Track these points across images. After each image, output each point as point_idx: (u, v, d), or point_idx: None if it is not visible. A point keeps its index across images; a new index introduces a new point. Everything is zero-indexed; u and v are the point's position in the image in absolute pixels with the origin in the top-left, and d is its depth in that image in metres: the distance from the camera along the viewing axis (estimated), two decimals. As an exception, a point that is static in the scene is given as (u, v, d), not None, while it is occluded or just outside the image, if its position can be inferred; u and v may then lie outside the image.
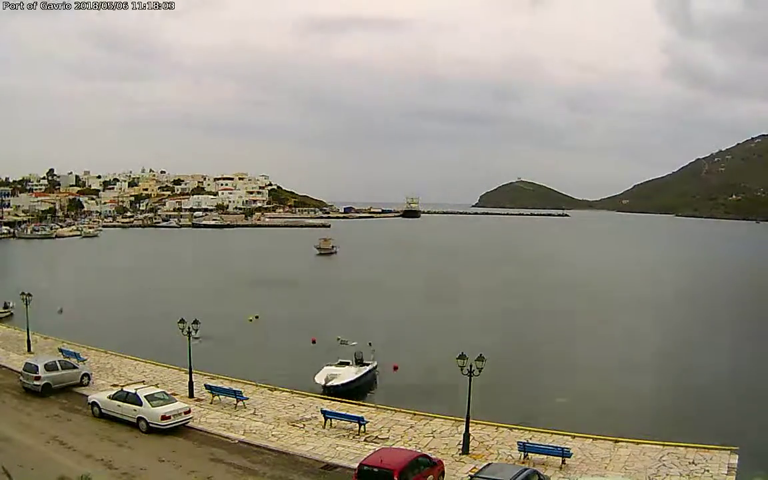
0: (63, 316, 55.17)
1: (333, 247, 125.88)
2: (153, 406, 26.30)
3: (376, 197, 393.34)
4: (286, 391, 32.61)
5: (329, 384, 33.94)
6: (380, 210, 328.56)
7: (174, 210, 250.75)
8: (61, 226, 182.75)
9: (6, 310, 53.50)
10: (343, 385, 34.14)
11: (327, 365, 36.77)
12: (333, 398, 31.73)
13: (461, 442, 24.98)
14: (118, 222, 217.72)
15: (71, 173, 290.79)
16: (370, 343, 38.96)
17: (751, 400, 35.63)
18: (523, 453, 23.90)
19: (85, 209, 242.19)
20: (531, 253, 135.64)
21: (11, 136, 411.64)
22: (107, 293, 71.65)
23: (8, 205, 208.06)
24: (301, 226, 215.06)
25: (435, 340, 48.18)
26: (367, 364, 37.52)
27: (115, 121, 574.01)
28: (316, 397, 31.90)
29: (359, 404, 30.81)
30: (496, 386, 33.02)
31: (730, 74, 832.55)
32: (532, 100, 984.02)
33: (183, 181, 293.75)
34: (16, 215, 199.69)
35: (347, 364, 37.10)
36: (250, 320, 55.36)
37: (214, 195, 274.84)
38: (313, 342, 46.86)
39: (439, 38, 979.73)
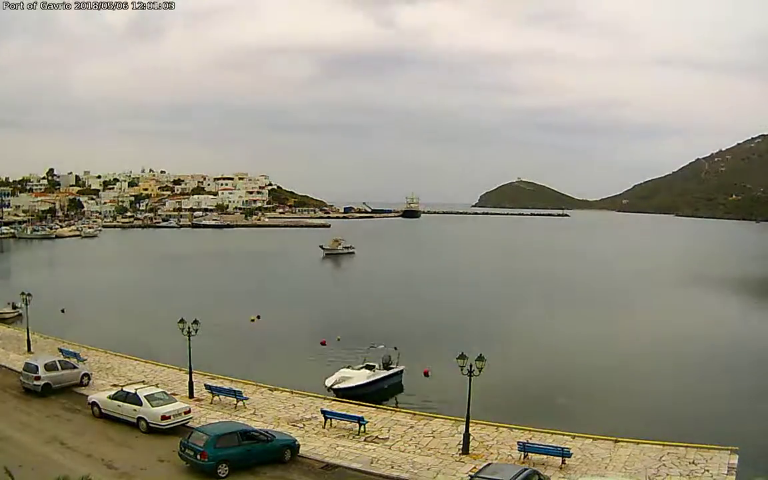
0: (63, 316, 55.10)
1: (343, 247, 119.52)
2: (153, 406, 26.29)
3: (375, 197, 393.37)
4: (286, 391, 32.63)
5: (335, 387, 33.51)
6: (380, 210, 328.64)
7: (174, 210, 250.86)
8: (61, 226, 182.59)
9: (15, 311, 52.76)
10: (348, 388, 33.46)
11: (345, 367, 35.93)
12: (340, 399, 31.48)
13: (461, 442, 24.97)
14: (118, 222, 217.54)
15: (71, 173, 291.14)
16: (395, 348, 37.77)
17: (751, 400, 35.61)
18: (523, 453, 23.91)
19: (85, 209, 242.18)
20: (531, 253, 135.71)
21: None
22: (107, 293, 71.59)
23: (8, 205, 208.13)
24: (301, 227, 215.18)
25: (435, 340, 48.14)
26: (392, 368, 36.57)
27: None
28: (316, 396, 31.88)
29: (359, 404, 30.80)
30: (496, 386, 33.01)
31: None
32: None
33: (183, 181, 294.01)
34: (16, 215, 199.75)
35: (372, 367, 35.99)
36: (252, 320, 55.39)
37: (214, 195, 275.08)
38: (323, 344, 46.82)
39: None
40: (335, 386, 33.62)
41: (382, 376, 35.86)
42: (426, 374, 38.90)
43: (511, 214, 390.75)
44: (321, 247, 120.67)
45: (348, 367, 36.01)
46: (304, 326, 54.53)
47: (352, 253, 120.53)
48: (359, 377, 34.80)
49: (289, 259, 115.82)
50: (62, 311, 56.59)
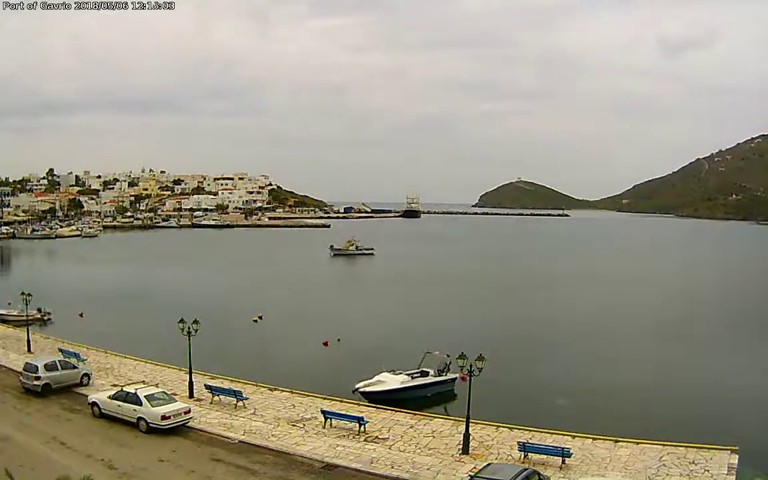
0: (63, 317, 54.92)
1: (357, 248, 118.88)
2: (153, 406, 26.30)
3: (376, 197, 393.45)
4: (286, 391, 32.59)
5: (362, 390, 32.73)
6: (380, 210, 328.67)
7: (174, 210, 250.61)
8: (61, 226, 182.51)
9: (41, 313, 52.28)
10: (375, 392, 32.64)
11: (387, 371, 34.38)
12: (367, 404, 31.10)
13: (461, 442, 24.98)
14: (118, 222, 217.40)
15: (71, 173, 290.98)
16: (448, 355, 35.26)
17: (751, 400, 35.63)
18: (523, 453, 23.91)
19: (85, 209, 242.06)
20: (531, 252, 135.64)
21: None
22: (107, 293, 71.52)
23: (8, 205, 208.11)
24: (302, 227, 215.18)
25: (435, 340, 48.06)
26: (442, 376, 35.52)
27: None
28: (316, 396, 31.83)
29: (358, 404, 30.82)
30: (496, 386, 32.99)
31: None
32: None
33: (183, 181, 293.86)
34: (16, 215, 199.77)
35: (427, 373, 35.10)
36: (255, 321, 55.39)
37: (214, 195, 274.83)
38: (325, 344, 46.79)
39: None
40: (362, 389, 32.84)
41: (419, 383, 34.43)
42: (464, 379, 37.88)
43: (511, 214, 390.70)
44: (331, 247, 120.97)
45: (391, 372, 34.45)
46: (306, 327, 54.47)
47: (371, 253, 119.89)
48: (392, 382, 33.50)
49: (291, 260, 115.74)
50: (81, 315, 56.16)
